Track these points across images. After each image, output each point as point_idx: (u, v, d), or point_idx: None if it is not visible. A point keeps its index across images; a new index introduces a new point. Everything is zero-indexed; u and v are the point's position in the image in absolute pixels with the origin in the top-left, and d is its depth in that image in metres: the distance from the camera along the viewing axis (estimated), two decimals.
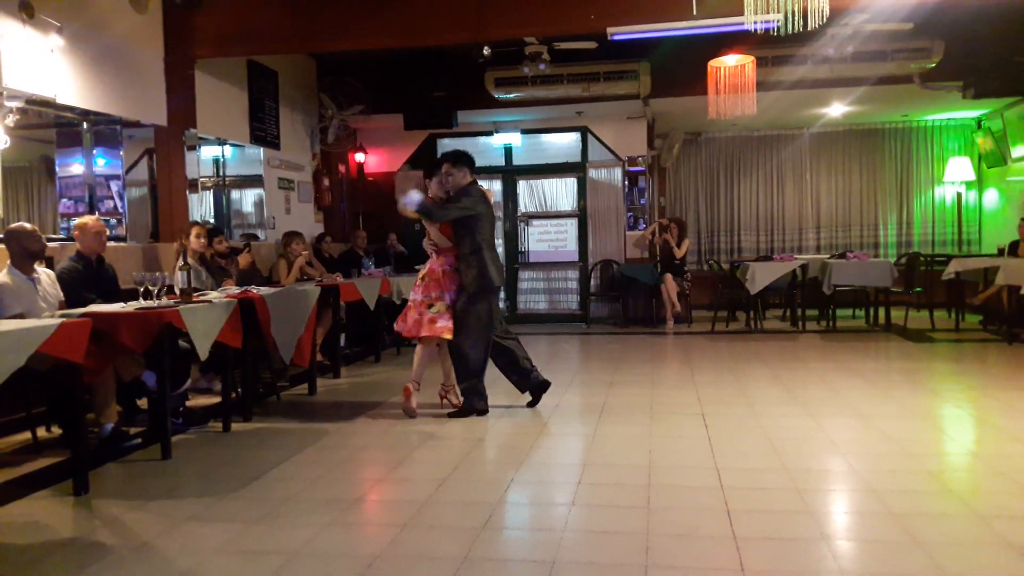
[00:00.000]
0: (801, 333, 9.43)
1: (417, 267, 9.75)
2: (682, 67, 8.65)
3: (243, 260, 6.95)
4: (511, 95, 9.32)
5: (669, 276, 10.04)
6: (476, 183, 5.53)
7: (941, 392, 6.03)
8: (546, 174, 11.00)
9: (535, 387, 5.55)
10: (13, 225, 4.74)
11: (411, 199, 5.26)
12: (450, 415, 5.37)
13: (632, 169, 10.95)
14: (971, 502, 3.52)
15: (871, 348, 8.24)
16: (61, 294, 4.86)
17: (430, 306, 5.38)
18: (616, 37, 6.84)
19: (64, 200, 6.34)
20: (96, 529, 3.52)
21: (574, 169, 10.99)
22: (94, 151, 6.42)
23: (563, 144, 11.10)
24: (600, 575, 2.86)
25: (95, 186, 6.44)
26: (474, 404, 5.36)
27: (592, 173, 10.96)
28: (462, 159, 5.49)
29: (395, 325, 5.59)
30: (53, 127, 6.20)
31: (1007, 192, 10.92)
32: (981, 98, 8.97)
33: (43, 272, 4.83)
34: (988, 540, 3.08)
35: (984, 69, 8.63)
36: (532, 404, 5.56)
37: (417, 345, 5.56)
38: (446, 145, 11.11)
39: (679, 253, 10.24)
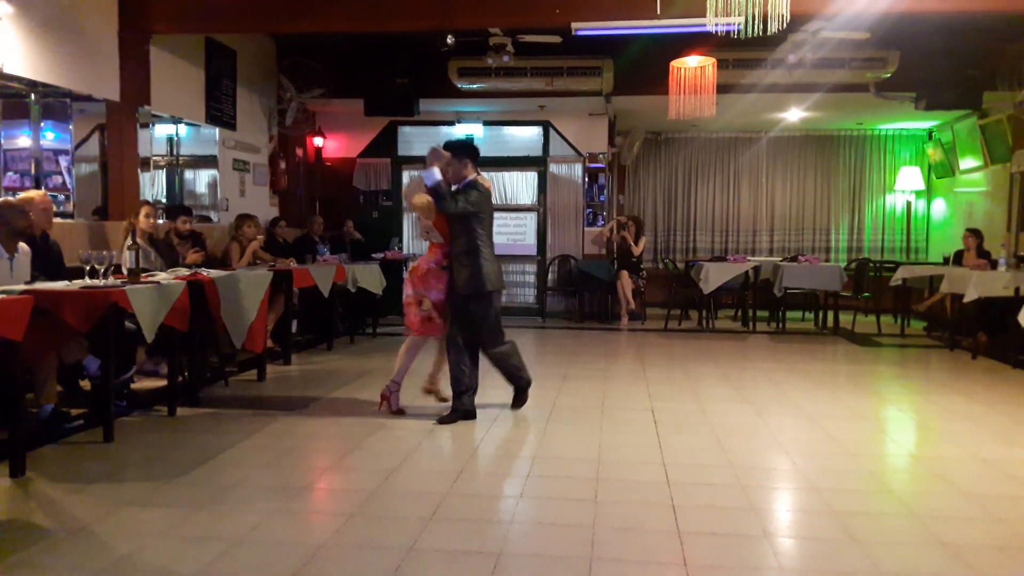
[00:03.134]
0: (751, 333, 9.58)
1: (374, 255, 9.80)
2: (645, 66, 8.70)
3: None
4: (474, 86, 9.28)
5: (625, 273, 10.12)
6: (478, 179, 5.12)
7: (884, 395, 6.17)
8: (507, 167, 10.99)
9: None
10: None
11: (431, 174, 4.89)
12: (440, 421, 5.00)
13: (592, 166, 11.00)
14: (909, 502, 3.61)
15: (819, 350, 8.41)
16: (29, 274, 4.70)
17: (420, 303, 5.14)
18: (580, 32, 6.86)
19: (9, 173, 6.14)
20: (32, 512, 3.43)
21: (535, 163, 11.00)
22: (42, 124, 6.22)
23: (525, 138, 11.10)
24: (545, 567, 2.87)
25: (42, 160, 6.24)
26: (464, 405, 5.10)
27: (553, 168, 10.98)
28: (465, 151, 5.14)
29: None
30: None
31: (954, 202, 11.22)
32: (933, 110, 9.19)
33: (23, 250, 4.67)
34: (923, 539, 3.17)
35: (937, 81, 8.84)
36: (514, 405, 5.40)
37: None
38: (407, 133, 11.09)
39: (636, 251, 10.32)
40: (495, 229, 5.50)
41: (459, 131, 10.89)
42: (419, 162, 11.14)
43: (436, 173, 4.90)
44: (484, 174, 5.33)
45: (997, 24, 8.01)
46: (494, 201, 6.00)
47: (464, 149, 5.17)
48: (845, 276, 9.47)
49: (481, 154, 5.33)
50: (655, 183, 12.65)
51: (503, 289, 5.34)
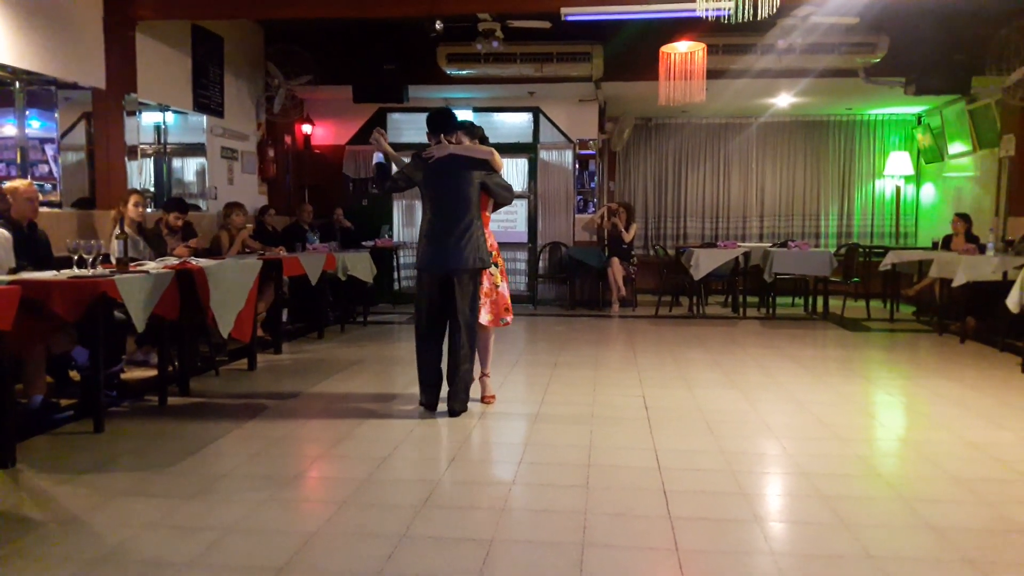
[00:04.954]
0: (742, 319, 9.61)
1: (364, 243, 9.76)
2: (635, 52, 8.69)
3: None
4: (463, 72, 9.24)
5: (616, 260, 10.13)
6: (422, 150, 4.99)
7: (873, 379, 6.21)
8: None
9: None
10: None
11: (376, 157, 5.15)
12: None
13: (583, 152, 10.98)
14: (897, 486, 3.64)
15: (808, 335, 8.44)
16: (13, 260, 4.66)
17: None
18: (569, 18, 6.84)
19: None
20: (22, 503, 3.41)
21: (525, 150, 10.97)
22: (27, 112, 6.16)
23: (515, 124, 11.07)
24: (537, 553, 2.88)
25: (28, 149, 6.19)
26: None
27: (543, 155, 10.96)
28: (427, 123, 5.09)
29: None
30: None
31: (943, 187, 11.26)
32: (922, 95, 9.19)
33: (3, 235, 4.64)
34: (911, 523, 3.19)
35: (926, 66, 8.85)
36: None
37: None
38: (396, 120, 11.03)
39: (627, 237, 10.32)
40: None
41: None
42: (409, 149, 11.13)
43: (379, 156, 5.13)
44: None
45: (986, 9, 8.02)
46: None
47: (427, 122, 5.13)
48: (835, 261, 9.51)
49: None
50: (645, 169, 12.64)
51: (431, 271, 4.83)
